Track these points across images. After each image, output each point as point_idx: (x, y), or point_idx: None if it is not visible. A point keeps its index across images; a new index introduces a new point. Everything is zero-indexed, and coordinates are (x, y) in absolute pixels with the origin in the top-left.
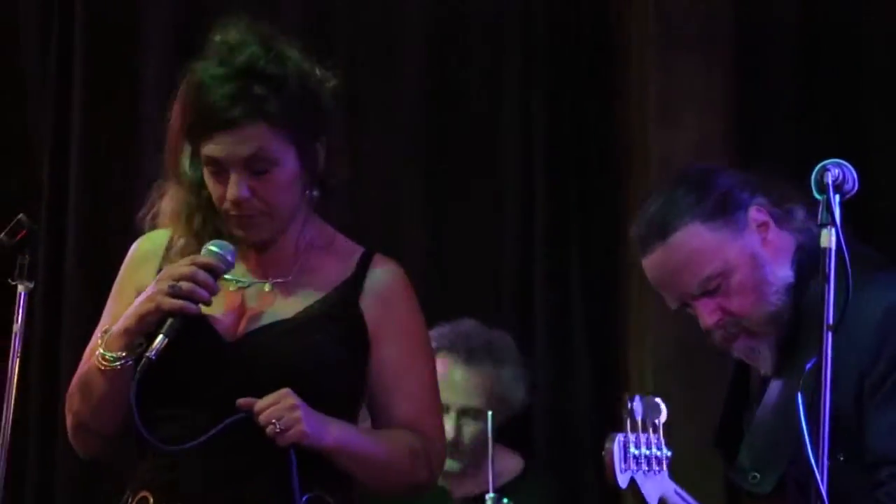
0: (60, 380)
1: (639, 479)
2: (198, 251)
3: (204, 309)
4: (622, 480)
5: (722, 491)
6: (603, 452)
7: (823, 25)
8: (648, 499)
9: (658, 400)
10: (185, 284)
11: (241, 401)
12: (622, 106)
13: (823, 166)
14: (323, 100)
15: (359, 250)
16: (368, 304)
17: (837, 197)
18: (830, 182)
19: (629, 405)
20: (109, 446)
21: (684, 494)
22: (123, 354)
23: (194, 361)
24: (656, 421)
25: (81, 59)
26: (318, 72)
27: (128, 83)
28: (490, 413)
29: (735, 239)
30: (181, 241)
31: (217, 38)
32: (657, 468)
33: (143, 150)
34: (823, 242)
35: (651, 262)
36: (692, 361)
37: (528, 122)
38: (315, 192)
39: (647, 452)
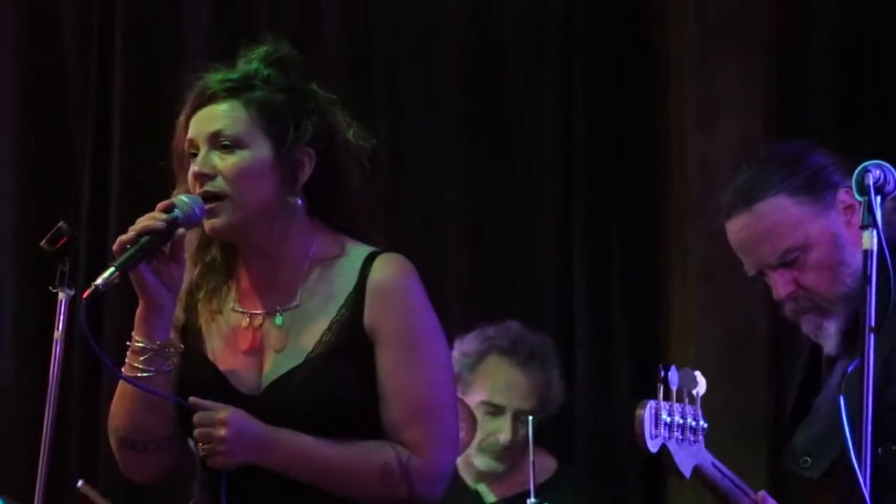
0: (101, 387)
1: (671, 446)
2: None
3: (222, 360)
4: (652, 445)
5: (763, 477)
6: (633, 418)
7: (865, 26)
8: (681, 467)
9: (696, 372)
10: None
11: (192, 400)
12: (662, 109)
13: (864, 167)
14: (322, 114)
15: (364, 254)
16: (368, 313)
17: (879, 198)
18: (871, 183)
19: (662, 374)
20: (158, 465)
21: (722, 467)
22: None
23: None
24: (693, 392)
25: (122, 66)
26: (324, 94)
27: (168, 90)
28: (531, 417)
29: (819, 216)
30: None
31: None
32: (692, 438)
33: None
34: (865, 244)
35: (734, 227)
36: (734, 362)
37: (567, 125)
38: (299, 200)
39: (681, 421)
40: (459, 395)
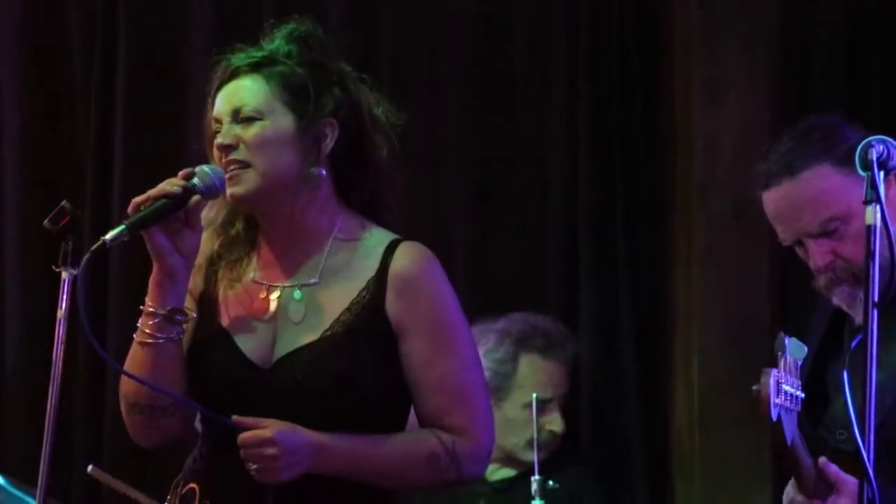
0: (106, 366)
1: (783, 416)
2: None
3: (236, 328)
4: (774, 413)
5: (767, 466)
6: (755, 387)
7: (871, 2)
8: (787, 434)
9: (801, 343)
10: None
11: (235, 419)
12: (667, 88)
13: (868, 143)
14: (345, 87)
15: (386, 241)
16: (391, 301)
17: (882, 174)
18: (875, 159)
19: (784, 342)
20: (165, 430)
21: (804, 442)
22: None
23: (229, 391)
24: (798, 362)
25: (126, 44)
26: (350, 71)
27: (171, 68)
28: (534, 395)
29: (860, 187)
30: (212, 213)
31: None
32: (794, 408)
33: (186, 134)
34: (868, 220)
35: (774, 195)
36: (738, 343)
37: (572, 105)
38: (323, 171)
39: (790, 391)
40: (493, 404)
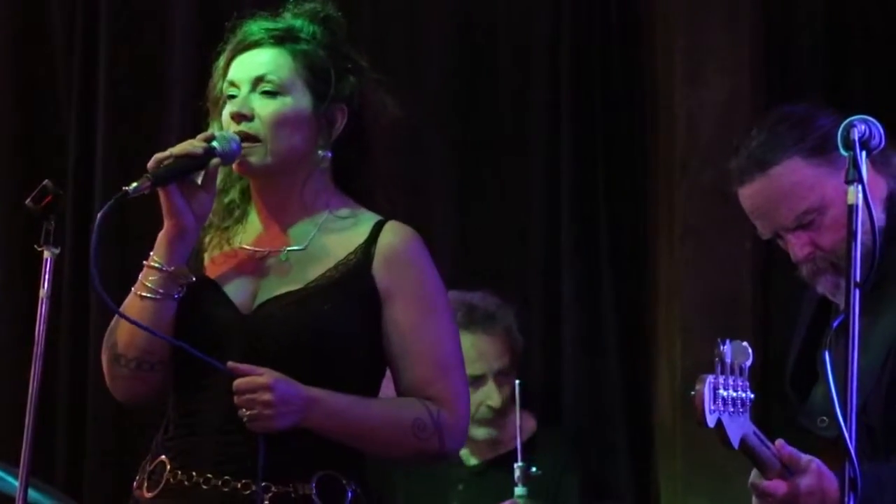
0: (89, 345)
1: (724, 419)
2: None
3: (222, 280)
4: (710, 420)
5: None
6: (692, 393)
7: None
8: (731, 438)
9: (745, 344)
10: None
11: (230, 364)
12: (649, 65)
13: (850, 122)
14: (358, 75)
15: (374, 219)
16: (378, 268)
17: (864, 153)
18: (857, 138)
19: (720, 348)
20: (146, 386)
21: (762, 436)
22: (161, 268)
23: (210, 333)
24: (743, 364)
25: (107, 19)
26: (364, 60)
27: (154, 43)
28: (518, 381)
29: (832, 177)
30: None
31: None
32: (741, 410)
33: (170, 111)
34: (850, 199)
35: (749, 192)
36: (720, 319)
37: (554, 81)
38: (329, 154)
39: (734, 395)
40: None
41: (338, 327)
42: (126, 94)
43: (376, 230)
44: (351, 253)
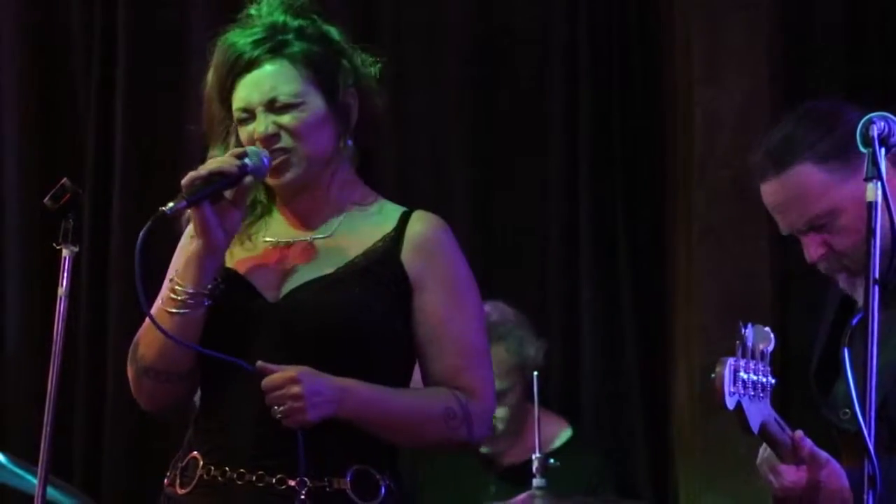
0: (107, 344)
1: (744, 403)
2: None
3: (247, 273)
4: (730, 402)
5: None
6: (712, 375)
7: None
8: (751, 423)
9: (767, 329)
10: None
11: (259, 364)
12: (668, 64)
13: (869, 119)
14: (349, 56)
15: (401, 209)
16: (408, 256)
17: (883, 150)
18: (876, 135)
19: (742, 332)
20: (174, 395)
21: (782, 423)
22: (191, 290)
23: (237, 322)
24: (765, 349)
25: (126, 20)
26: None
27: (175, 45)
28: (535, 373)
29: (846, 181)
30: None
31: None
32: (762, 394)
33: (188, 111)
34: (869, 196)
35: (765, 190)
36: (739, 320)
37: (573, 81)
38: (350, 143)
39: (755, 378)
40: None
41: (368, 310)
42: (144, 91)
43: (404, 219)
44: (378, 241)
